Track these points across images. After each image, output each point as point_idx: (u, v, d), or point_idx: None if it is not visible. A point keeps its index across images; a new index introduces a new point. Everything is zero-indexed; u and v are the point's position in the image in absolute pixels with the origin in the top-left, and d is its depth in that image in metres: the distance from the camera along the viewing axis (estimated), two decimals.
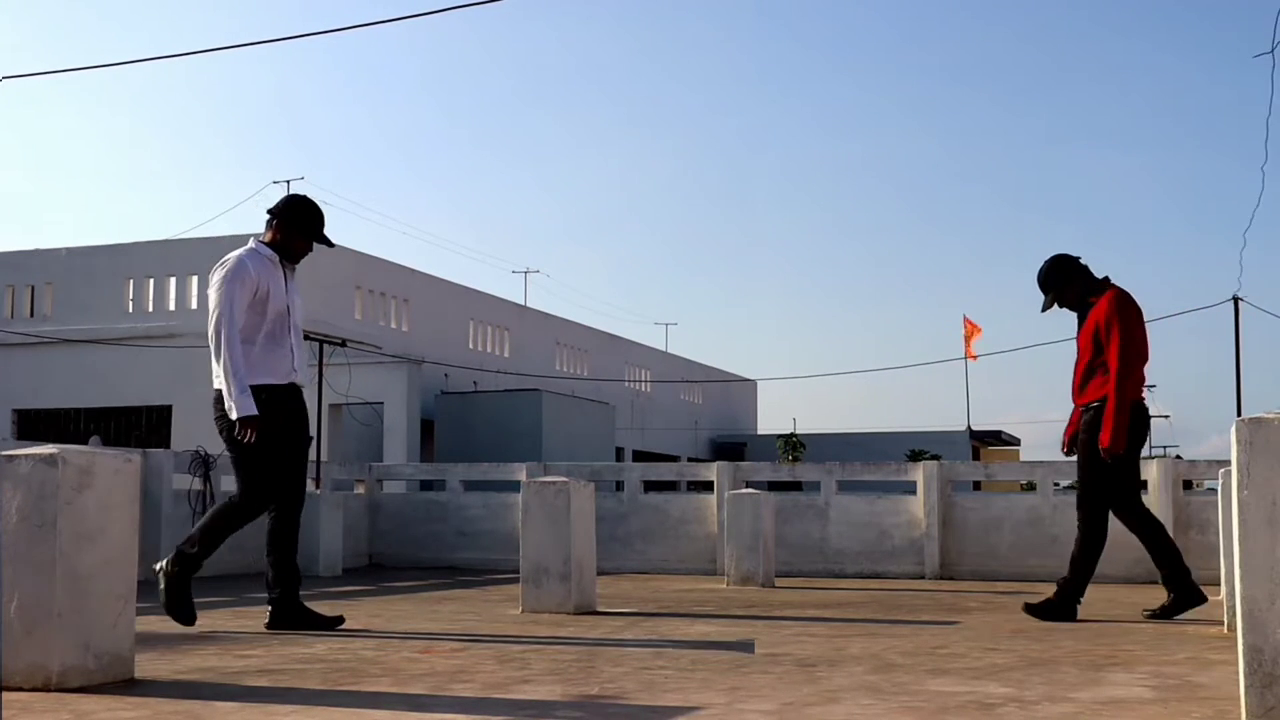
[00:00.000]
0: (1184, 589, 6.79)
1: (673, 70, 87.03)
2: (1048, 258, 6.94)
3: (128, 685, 3.95)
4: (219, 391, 5.85)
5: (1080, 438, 6.81)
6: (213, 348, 5.81)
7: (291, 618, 5.96)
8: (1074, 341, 6.96)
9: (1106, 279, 6.92)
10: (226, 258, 5.97)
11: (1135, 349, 6.69)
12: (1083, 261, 6.93)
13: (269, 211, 6.09)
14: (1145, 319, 6.86)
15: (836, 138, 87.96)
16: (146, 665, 4.38)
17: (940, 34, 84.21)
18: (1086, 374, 6.79)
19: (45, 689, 3.78)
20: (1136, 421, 6.76)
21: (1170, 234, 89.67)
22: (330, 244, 6.20)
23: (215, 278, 5.90)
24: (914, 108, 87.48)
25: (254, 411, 5.76)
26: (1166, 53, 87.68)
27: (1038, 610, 6.69)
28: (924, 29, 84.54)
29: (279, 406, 5.91)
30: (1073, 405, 6.91)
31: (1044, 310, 6.95)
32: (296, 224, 6.05)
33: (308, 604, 6.09)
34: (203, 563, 5.92)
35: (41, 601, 3.82)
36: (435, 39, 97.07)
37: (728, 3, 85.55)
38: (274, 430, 5.87)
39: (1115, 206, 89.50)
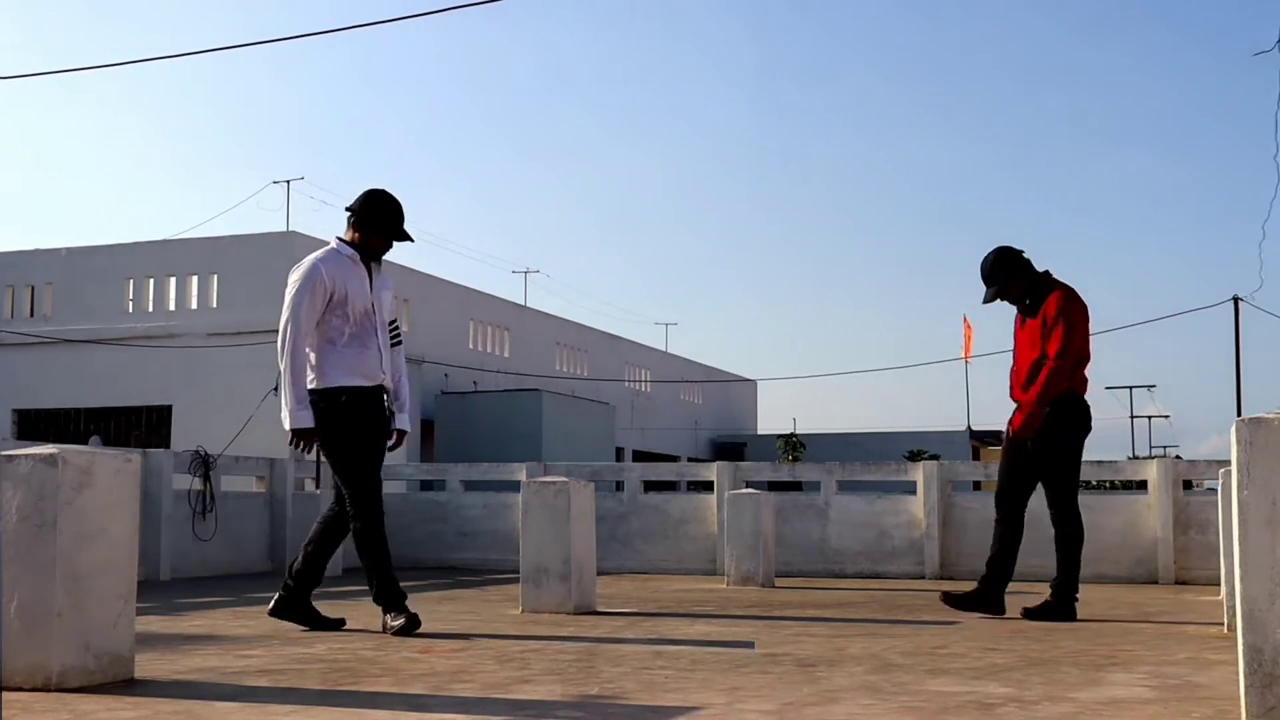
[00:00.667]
0: (993, 593, 6.84)
1: (672, 71, 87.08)
2: (992, 250, 6.97)
3: (128, 685, 3.95)
4: (311, 392, 5.73)
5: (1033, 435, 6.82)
6: (278, 353, 5.73)
7: (294, 612, 5.94)
8: (1016, 329, 6.97)
9: (1048, 273, 6.97)
10: (303, 260, 5.83)
11: (1075, 350, 6.77)
12: (1026, 255, 6.99)
13: (347, 209, 5.91)
14: (1090, 319, 6.93)
15: (837, 138, 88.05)
16: (146, 665, 4.38)
17: (938, 35, 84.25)
18: (1033, 370, 6.82)
19: (45, 689, 3.78)
20: (1079, 419, 6.85)
21: (1171, 234, 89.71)
22: (410, 239, 5.97)
23: (289, 280, 5.79)
24: (914, 108, 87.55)
25: (309, 425, 5.66)
26: (1167, 52, 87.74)
27: (1037, 614, 6.69)
28: (924, 30, 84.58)
29: (361, 409, 5.77)
30: (1014, 403, 6.95)
31: (986, 302, 6.97)
32: (373, 222, 5.83)
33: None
34: (390, 574, 5.81)
35: (41, 601, 3.82)
36: (435, 39, 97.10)
37: (726, 3, 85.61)
38: (357, 430, 5.75)
39: (1115, 206, 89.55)
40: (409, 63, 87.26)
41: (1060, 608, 6.69)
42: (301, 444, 5.72)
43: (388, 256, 6.02)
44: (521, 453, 25.94)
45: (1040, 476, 6.89)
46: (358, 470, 5.78)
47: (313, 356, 5.75)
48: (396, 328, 6.15)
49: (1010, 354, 7.11)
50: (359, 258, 5.83)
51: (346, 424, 5.74)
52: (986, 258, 6.95)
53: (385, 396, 5.92)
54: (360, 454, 5.78)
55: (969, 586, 7.15)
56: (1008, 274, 6.89)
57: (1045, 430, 6.78)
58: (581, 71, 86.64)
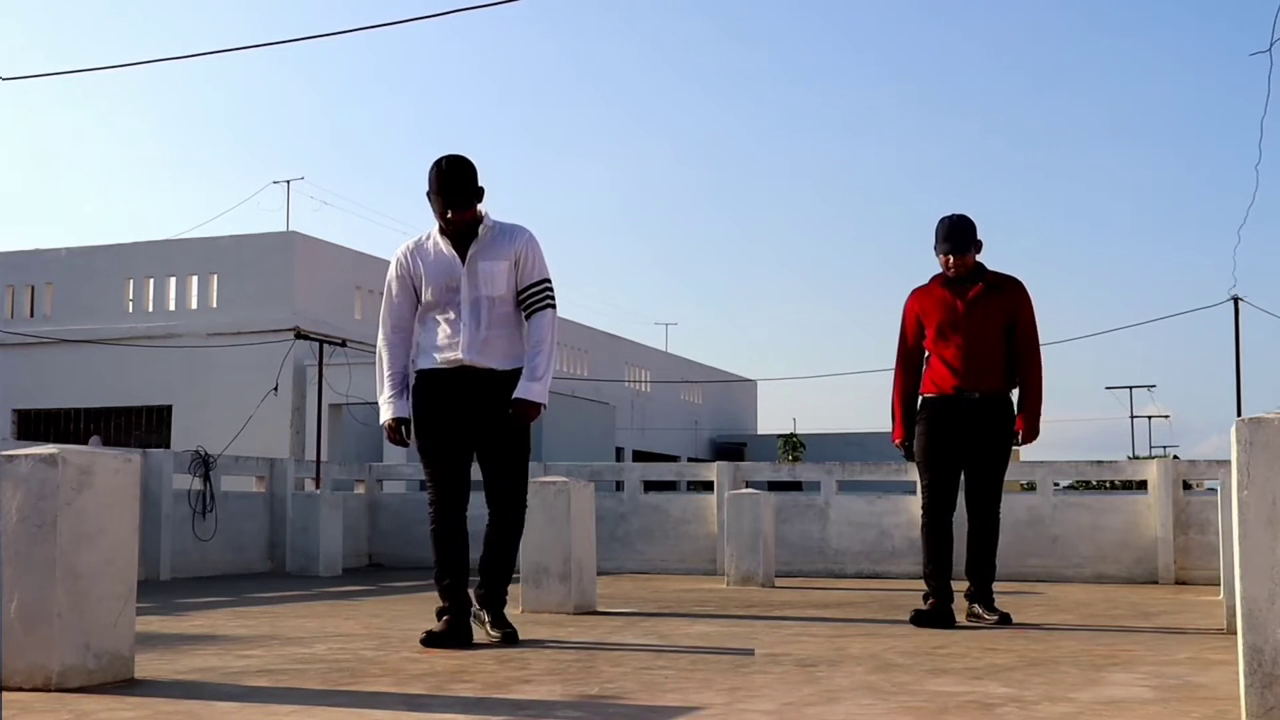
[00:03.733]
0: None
1: (671, 69, 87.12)
2: (957, 214, 6.49)
3: (128, 685, 3.95)
4: None
5: (993, 426, 6.44)
6: None
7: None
8: (960, 309, 6.43)
9: None
10: None
11: None
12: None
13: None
14: None
15: (837, 138, 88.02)
16: (146, 665, 4.39)
17: (935, 36, 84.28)
18: (995, 359, 6.45)
19: (45, 689, 3.78)
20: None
21: (1171, 234, 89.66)
22: (460, 205, 5.22)
23: None
24: (911, 109, 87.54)
25: (385, 417, 5.38)
26: (1164, 51, 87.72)
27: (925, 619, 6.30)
28: (920, 31, 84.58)
29: (419, 393, 5.37)
30: (959, 387, 6.40)
31: (960, 254, 6.41)
32: (430, 198, 5.28)
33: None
34: (444, 580, 5.52)
35: (41, 601, 3.82)
36: (433, 41, 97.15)
37: (727, 2, 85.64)
38: (418, 417, 5.37)
39: (1115, 205, 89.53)
40: (409, 63, 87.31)
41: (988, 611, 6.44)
42: (392, 438, 5.47)
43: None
44: None
45: (979, 474, 6.52)
46: (422, 460, 5.53)
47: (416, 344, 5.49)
48: (537, 290, 5.35)
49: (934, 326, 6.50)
50: (440, 233, 5.34)
51: (415, 410, 5.44)
52: (959, 219, 6.46)
53: (476, 376, 5.31)
54: (422, 443, 5.46)
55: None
56: (973, 242, 6.50)
57: (1008, 429, 6.51)
58: (580, 72, 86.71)
